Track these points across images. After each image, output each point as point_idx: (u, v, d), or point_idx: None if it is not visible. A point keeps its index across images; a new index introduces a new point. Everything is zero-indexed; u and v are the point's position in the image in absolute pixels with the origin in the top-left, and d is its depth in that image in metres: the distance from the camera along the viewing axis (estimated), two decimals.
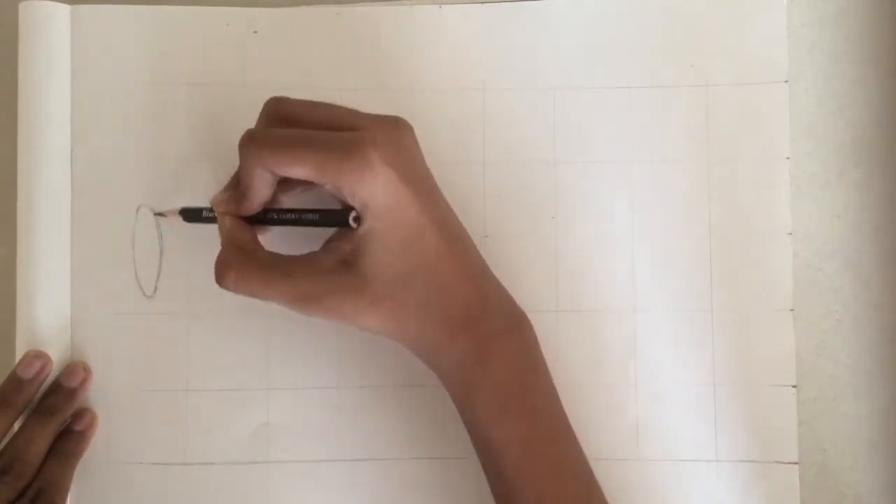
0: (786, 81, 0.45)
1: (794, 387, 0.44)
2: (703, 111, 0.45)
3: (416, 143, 0.40)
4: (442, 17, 0.45)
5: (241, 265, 0.38)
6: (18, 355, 0.43)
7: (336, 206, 0.39)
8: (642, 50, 0.45)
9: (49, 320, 0.44)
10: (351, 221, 0.37)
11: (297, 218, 0.40)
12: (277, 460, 0.44)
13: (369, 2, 0.46)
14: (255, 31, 0.45)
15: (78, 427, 0.43)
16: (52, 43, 0.44)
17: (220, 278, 0.38)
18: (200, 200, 0.45)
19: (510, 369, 0.38)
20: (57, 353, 0.44)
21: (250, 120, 0.45)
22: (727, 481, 0.44)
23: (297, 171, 0.37)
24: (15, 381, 0.42)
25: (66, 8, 0.45)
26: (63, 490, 0.42)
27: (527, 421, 0.38)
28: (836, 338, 0.45)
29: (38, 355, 0.43)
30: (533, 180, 0.45)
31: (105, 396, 0.44)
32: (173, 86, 0.45)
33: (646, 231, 0.45)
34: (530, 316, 0.40)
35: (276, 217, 0.40)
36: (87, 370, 0.44)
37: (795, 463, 0.44)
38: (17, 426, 0.43)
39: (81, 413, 0.44)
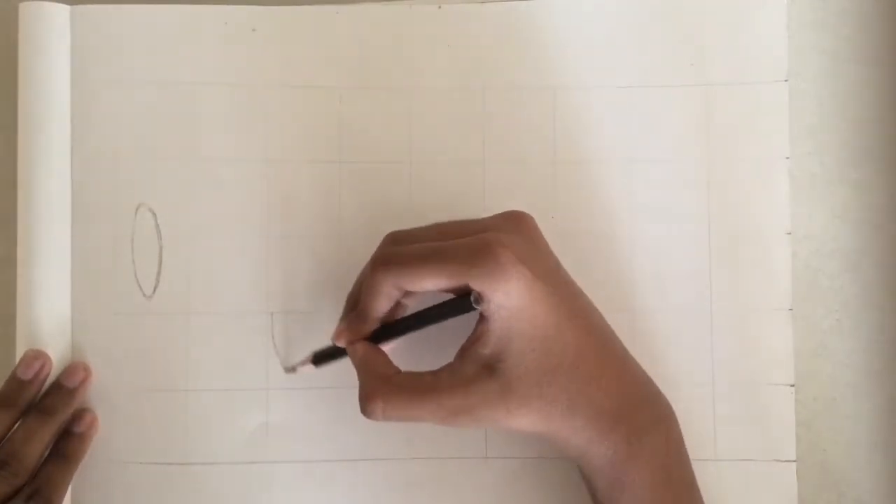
0: (786, 81, 0.45)
1: (793, 386, 0.44)
2: (702, 111, 0.45)
3: (540, 234, 0.40)
4: (442, 17, 0.45)
5: (387, 394, 0.38)
6: (18, 355, 0.43)
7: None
8: (642, 50, 0.45)
9: (49, 320, 0.44)
10: (473, 303, 0.37)
11: (419, 321, 0.39)
12: (277, 460, 0.44)
13: (369, 1, 0.46)
14: (254, 30, 0.45)
15: (78, 429, 0.43)
16: (52, 43, 0.44)
17: (368, 412, 0.38)
18: (199, 201, 0.45)
19: (660, 464, 0.38)
20: (57, 353, 0.44)
21: (249, 118, 0.45)
22: (726, 479, 0.44)
23: (431, 284, 0.37)
24: (15, 382, 0.42)
25: (65, 8, 0.45)
26: (60, 491, 0.42)
27: None
28: (836, 338, 0.45)
29: (36, 356, 0.43)
30: (533, 180, 0.45)
31: (105, 396, 0.44)
32: (173, 85, 0.45)
33: (645, 231, 0.45)
34: None
35: (399, 327, 0.40)
36: (87, 370, 0.44)
37: (794, 461, 0.44)
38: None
39: (81, 414, 0.44)
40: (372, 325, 0.40)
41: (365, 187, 0.45)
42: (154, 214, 0.45)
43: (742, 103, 0.45)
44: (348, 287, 0.44)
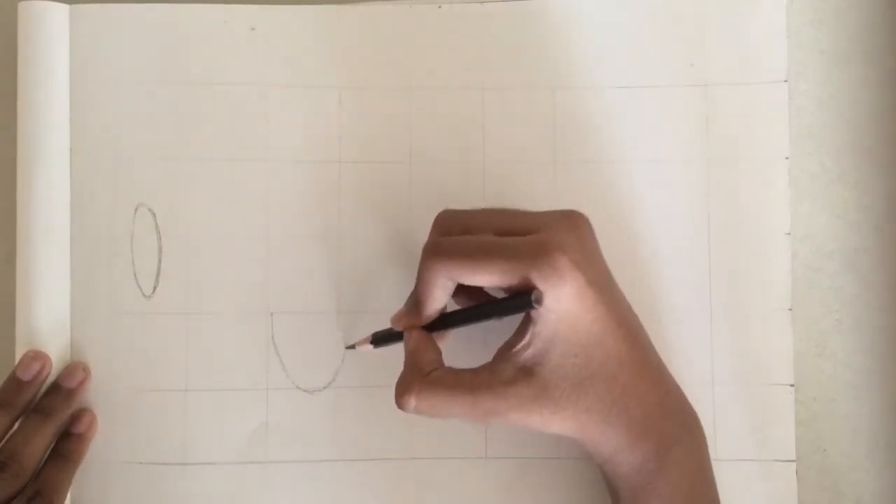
0: (785, 81, 0.45)
1: (792, 386, 0.44)
2: (702, 111, 0.45)
3: (594, 236, 0.40)
4: (442, 17, 0.45)
5: (422, 390, 0.38)
6: (18, 355, 0.43)
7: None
8: (642, 50, 0.45)
9: (49, 320, 0.44)
10: (534, 303, 0.36)
11: (476, 316, 0.39)
12: (277, 460, 0.44)
13: (369, 1, 0.45)
14: (253, 29, 0.45)
15: (77, 429, 0.43)
16: (51, 43, 0.44)
17: (401, 404, 0.38)
18: (199, 201, 0.45)
19: (686, 475, 0.38)
20: (56, 354, 0.44)
21: (248, 118, 0.45)
22: (726, 479, 0.43)
23: (483, 279, 0.37)
24: (15, 383, 0.42)
25: (64, 7, 0.45)
26: (62, 492, 0.42)
27: None
28: (836, 338, 0.45)
29: (36, 356, 0.43)
30: (533, 180, 0.45)
31: (105, 396, 0.44)
32: (172, 85, 0.45)
33: (645, 231, 0.45)
34: None
35: (454, 319, 0.40)
36: (86, 371, 0.44)
37: (793, 461, 0.44)
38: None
39: (81, 415, 0.43)
40: (428, 315, 0.39)
41: (365, 187, 0.45)
42: (154, 214, 0.45)
43: (742, 103, 0.45)
44: (348, 287, 0.44)
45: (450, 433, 0.44)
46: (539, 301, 0.36)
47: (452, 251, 0.38)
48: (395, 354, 0.41)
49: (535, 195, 0.45)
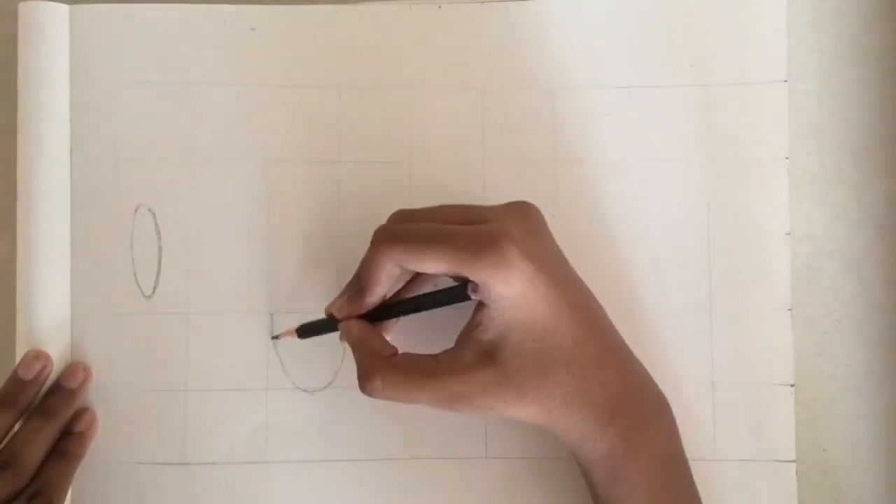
0: (785, 81, 0.45)
1: (793, 386, 0.44)
2: (702, 111, 0.45)
3: (546, 226, 0.40)
4: (442, 17, 0.45)
5: (386, 374, 0.37)
6: (18, 355, 0.43)
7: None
8: (642, 50, 0.45)
9: (49, 320, 0.44)
10: (470, 293, 0.37)
11: (415, 306, 0.40)
12: (277, 460, 0.44)
13: (369, 1, 0.45)
14: (253, 29, 0.45)
15: (78, 428, 0.43)
16: (51, 43, 0.44)
17: (368, 389, 0.38)
18: (199, 201, 0.45)
19: (657, 461, 0.38)
20: (57, 354, 0.44)
21: (248, 118, 0.45)
22: (726, 479, 0.44)
23: (431, 266, 0.37)
24: (16, 382, 0.42)
25: (65, 8, 0.45)
26: (62, 490, 0.42)
27: None
28: (836, 338, 0.45)
29: (37, 356, 0.43)
30: (533, 180, 0.45)
31: (105, 396, 0.44)
32: (172, 85, 0.45)
33: (644, 231, 0.45)
34: None
35: (395, 309, 0.40)
36: (87, 371, 0.44)
37: (793, 461, 0.44)
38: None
39: (81, 414, 0.43)
40: (371, 302, 0.39)
41: (365, 187, 0.45)
42: (153, 214, 0.45)
43: (742, 103, 0.45)
44: None
45: (450, 433, 0.44)
46: (475, 291, 0.37)
47: (402, 236, 0.38)
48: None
49: (535, 195, 0.44)
